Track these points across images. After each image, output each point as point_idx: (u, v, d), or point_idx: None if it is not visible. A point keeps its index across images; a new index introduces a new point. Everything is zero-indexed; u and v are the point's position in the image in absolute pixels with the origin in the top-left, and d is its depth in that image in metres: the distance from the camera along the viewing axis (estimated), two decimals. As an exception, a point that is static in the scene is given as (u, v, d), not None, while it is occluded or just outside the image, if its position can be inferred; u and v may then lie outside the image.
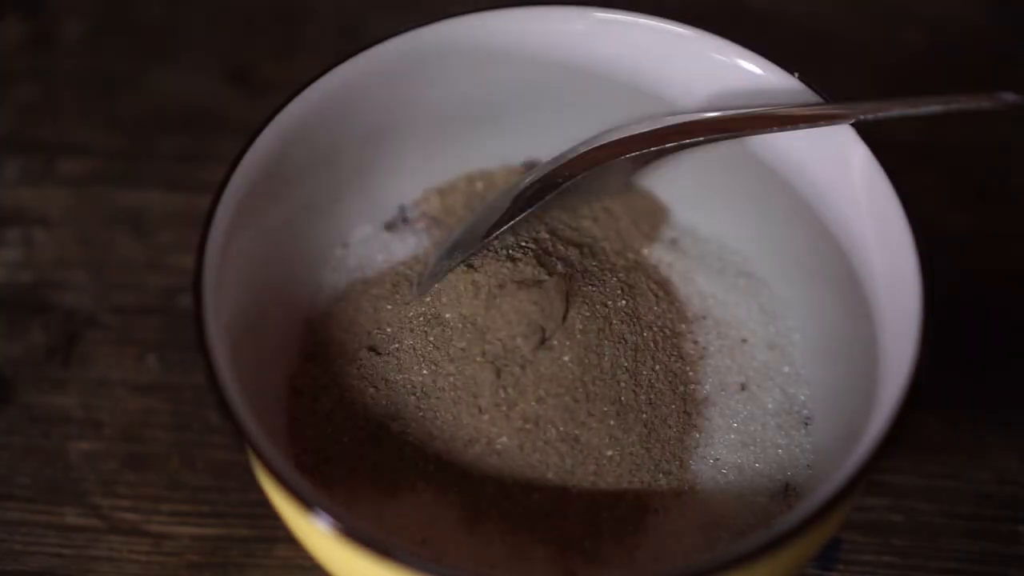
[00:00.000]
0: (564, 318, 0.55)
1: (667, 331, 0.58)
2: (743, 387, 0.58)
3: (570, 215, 0.61)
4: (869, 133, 0.54)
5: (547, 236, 0.59)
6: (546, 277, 0.56)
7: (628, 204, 0.63)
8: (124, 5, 0.84)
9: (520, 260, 0.56)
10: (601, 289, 0.57)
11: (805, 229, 0.59)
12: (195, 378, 0.66)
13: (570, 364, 0.55)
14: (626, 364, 0.56)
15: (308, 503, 0.46)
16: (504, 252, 0.57)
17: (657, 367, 0.56)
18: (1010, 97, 0.48)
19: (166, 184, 0.74)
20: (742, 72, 0.58)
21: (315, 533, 0.47)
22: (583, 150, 0.58)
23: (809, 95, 0.56)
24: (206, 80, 0.79)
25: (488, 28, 0.59)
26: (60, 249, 0.71)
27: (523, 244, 0.58)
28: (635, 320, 0.57)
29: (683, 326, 0.59)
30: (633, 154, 0.57)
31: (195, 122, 0.77)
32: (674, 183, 0.65)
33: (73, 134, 0.77)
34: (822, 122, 0.54)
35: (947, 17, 0.83)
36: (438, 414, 0.54)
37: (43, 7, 0.83)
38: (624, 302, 0.57)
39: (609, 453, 0.54)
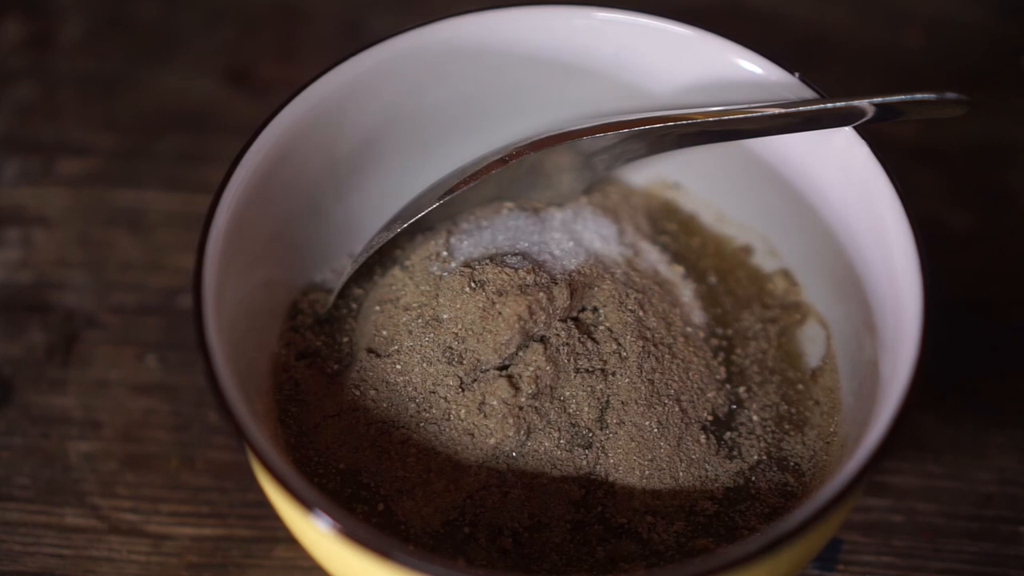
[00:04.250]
0: (566, 320, 0.56)
1: (671, 330, 0.58)
2: (747, 388, 0.58)
3: (569, 218, 0.61)
4: (869, 133, 0.54)
5: (547, 240, 0.59)
6: (547, 282, 0.55)
7: (629, 205, 0.63)
8: (123, 5, 0.84)
9: (520, 267, 0.56)
10: (607, 292, 0.57)
11: (805, 229, 0.59)
12: (195, 378, 0.66)
13: (586, 370, 0.55)
14: (632, 367, 0.55)
15: (308, 503, 0.46)
16: (503, 259, 0.57)
17: (661, 369, 0.56)
18: (951, 96, 0.52)
19: (166, 184, 0.74)
20: (742, 72, 0.58)
21: (315, 533, 0.47)
22: (537, 138, 0.59)
23: (809, 95, 0.56)
24: (206, 80, 0.79)
25: (488, 28, 0.59)
26: (60, 249, 0.71)
27: (519, 251, 0.58)
28: (639, 322, 0.57)
29: (689, 329, 0.59)
30: (584, 138, 0.58)
31: (195, 122, 0.77)
32: (673, 184, 0.65)
33: (73, 134, 0.77)
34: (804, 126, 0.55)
35: (946, 17, 0.83)
36: (438, 415, 0.54)
37: (43, 7, 0.83)
38: (631, 305, 0.57)
39: (613, 460, 0.54)
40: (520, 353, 0.55)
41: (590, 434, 0.55)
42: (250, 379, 0.54)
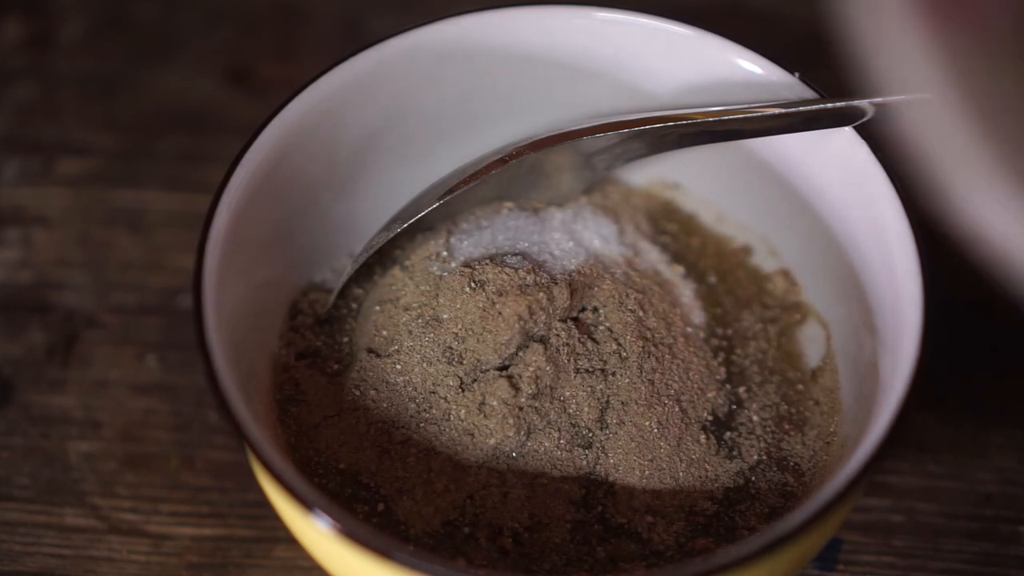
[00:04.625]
0: (566, 320, 0.56)
1: (671, 330, 0.58)
2: (747, 388, 0.58)
3: (569, 218, 0.61)
4: (869, 133, 0.54)
5: (547, 240, 0.59)
6: (547, 282, 0.55)
7: (629, 205, 0.63)
8: (123, 5, 0.84)
9: (520, 267, 0.56)
10: (607, 292, 0.57)
11: (805, 229, 0.59)
12: (195, 378, 0.66)
13: (586, 370, 0.55)
14: (632, 367, 0.55)
15: (308, 503, 0.46)
16: (503, 259, 0.57)
17: (661, 369, 0.56)
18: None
19: (166, 184, 0.74)
20: (742, 72, 0.58)
21: (315, 533, 0.47)
22: (537, 138, 0.59)
23: (809, 95, 0.56)
24: (206, 80, 0.79)
25: (488, 28, 0.59)
26: (60, 249, 0.71)
27: (520, 251, 0.58)
28: (639, 323, 0.57)
29: (689, 329, 0.59)
30: (584, 138, 0.58)
31: (195, 122, 0.77)
32: (673, 184, 0.65)
33: (73, 134, 0.77)
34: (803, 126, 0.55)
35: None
36: (438, 416, 0.54)
37: (43, 7, 0.83)
38: (631, 305, 0.57)
39: (613, 460, 0.54)
40: (520, 353, 0.55)
41: (590, 434, 0.55)
42: (250, 379, 0.54)
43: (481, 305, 0.54)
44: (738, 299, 0.61)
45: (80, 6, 0.83)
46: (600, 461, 0.55)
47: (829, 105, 0.54)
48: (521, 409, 0.54)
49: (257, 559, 0.60)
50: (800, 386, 0.58)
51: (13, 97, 0.79)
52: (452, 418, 0.54)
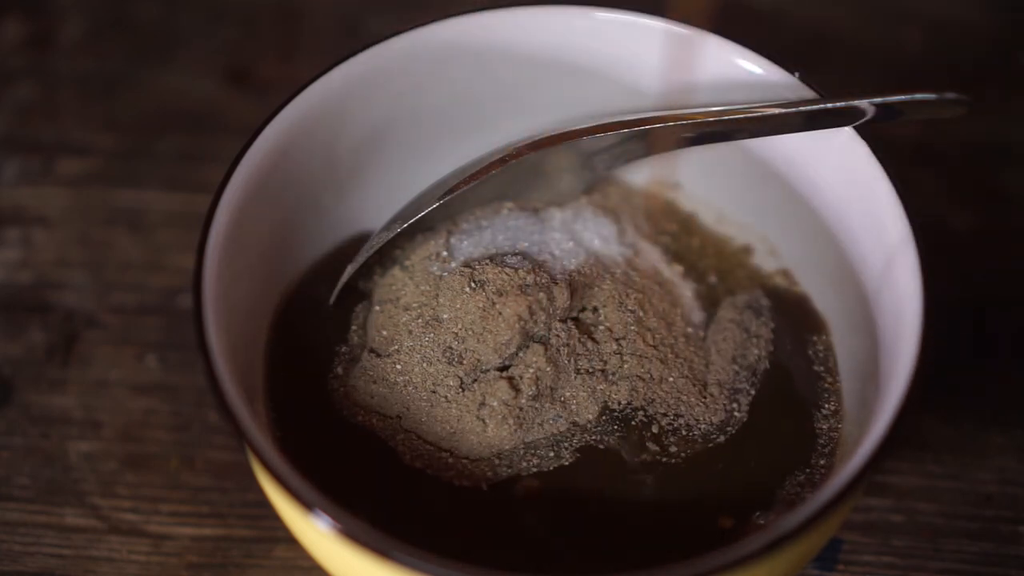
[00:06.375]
0: (566, 320, 0.56)
1: (672, 330, 0.58)
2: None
3: (570, 217, 0.61)
4: (869, 133, 0.54)
5: (547, 240, 0.59)
6: (547, 282, 0.55)
7: (629, 205, 0.63)
8: (124, 5, 0.84)
9: (520, 267, 0.56)
10: (607, 292, 0.57)
11: (805, 229, 0.59)
12: (195, 378, 0.66)
13: (586, 370, 0.55)
14: (637, 369, 0.55)
15: (308, 503, 0.46)
16: (503, 259, 0.57)
17: (673, 375, 0.56)
18: (951, 96, 0.52)
19: (166, 184, 0.74)
20: (742, 72, 0.58)
21: (315, 533, 0.47)
22: (537, 138, 0.59)
23: (809, 95, 0.56)
24: (206, 80, 0.79)
25: (488, 28, 0.59)
26: (60, 249, 0.71)
27: (520, 251, 0.58)
28: (640, 323, 0.57)
29: (690, 329, 0.59)
30: (584, 138, 0.58)
31: (195, 122, 0.77)
32: (673, 183, 0.65)
33: (73, 134, 0.77)
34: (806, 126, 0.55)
35: (946, 17, 0.83)
36: (440, 415, 0.54)
37: (43, 7, 0.83)
38: (631, 305, 0.57)
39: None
40: (520, 354, 0.55)
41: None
42: (249, 378, 0.54)
43: (481, 305, 0.54)
44: (738, 299, 0.61)
45: (80, 6, 0.83)
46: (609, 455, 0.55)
47: (829, 105, 0.54)
48: (521, 410, 0.54)
49: (257, 559, 0.60)
50: (800, 386, 0.58)
51: (13, 97, 0.79)
52: (453, 416, 0.54)
